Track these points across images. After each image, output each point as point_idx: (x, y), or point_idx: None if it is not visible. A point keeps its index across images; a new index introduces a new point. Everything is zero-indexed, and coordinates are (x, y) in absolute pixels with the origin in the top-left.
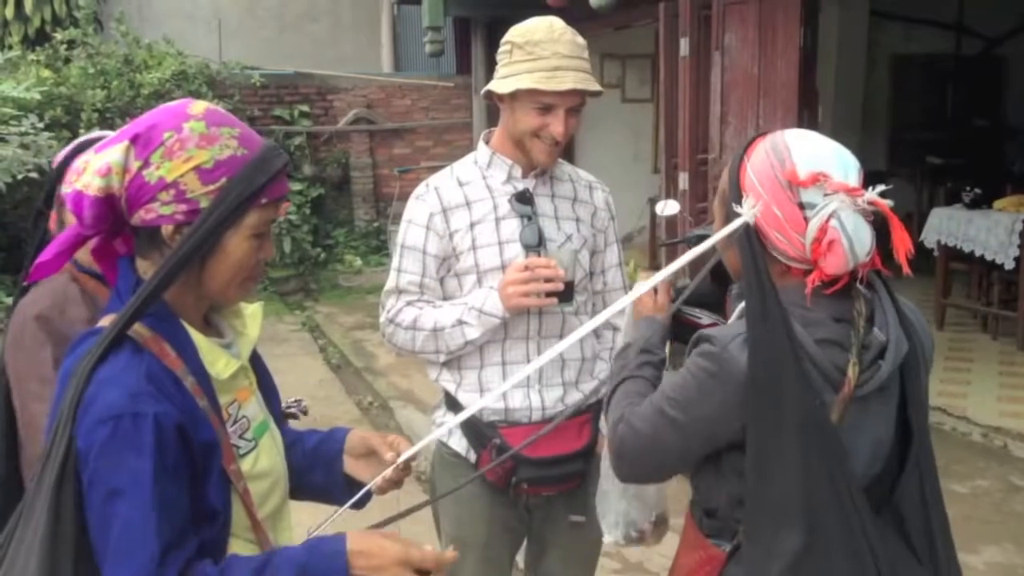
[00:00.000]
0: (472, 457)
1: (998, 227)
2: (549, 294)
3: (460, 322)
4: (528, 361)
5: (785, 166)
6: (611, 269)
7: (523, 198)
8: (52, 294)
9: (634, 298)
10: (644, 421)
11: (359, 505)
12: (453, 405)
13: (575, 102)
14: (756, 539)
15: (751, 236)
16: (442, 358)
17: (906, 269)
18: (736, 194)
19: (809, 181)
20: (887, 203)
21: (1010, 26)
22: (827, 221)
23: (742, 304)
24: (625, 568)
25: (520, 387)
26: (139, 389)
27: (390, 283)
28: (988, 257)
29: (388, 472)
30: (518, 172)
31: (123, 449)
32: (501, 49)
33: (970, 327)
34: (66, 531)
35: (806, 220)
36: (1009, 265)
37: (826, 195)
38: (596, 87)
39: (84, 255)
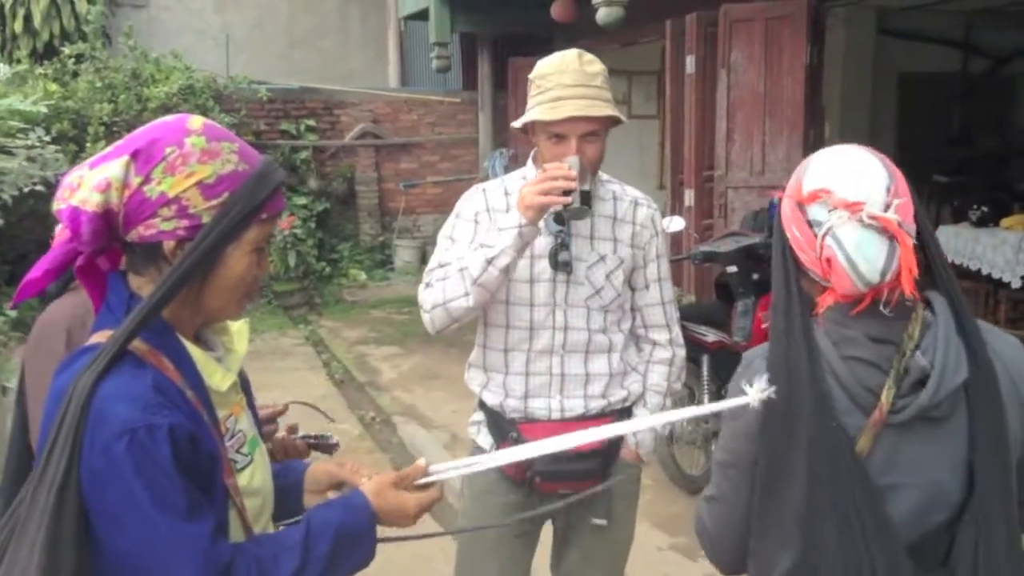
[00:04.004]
0: (494, 452)
1: (1005, 245)
2: (570, 214)
3: (481, 246)
4: (551, 374)
5: (796, 186)
6: (652, 284)
7: (559, 218)
8: (75, 305)
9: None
10: (712, 486)
11: None
12: (482, 406)
13: (585, 128)
14: (757, 557)
15: (786, 254)
16: (471, 300)
17: (908, 290)
18: (779, 222)
19: (809, 199)
20: (892, 218)
21: (1017, 45)
22: (823, 239)
23: None
24: None
25: (542, 396)
26: (149, 401)
27: (431, 263)
28: (995, 276)
29: None
30: None
31: (143, 462)
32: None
33: None
34: (66, 558)
35: (815, 237)
36: (1016, 284)
37: (830, 211)
38: (600, 112)
39: None
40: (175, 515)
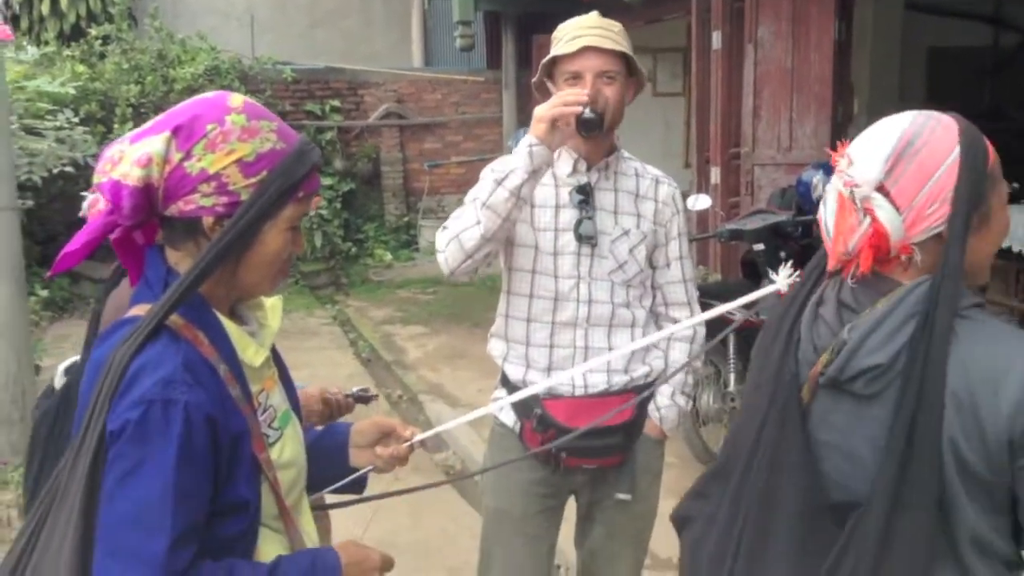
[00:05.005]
0: (518, 428)
1: None
2: (580, 123)
3: (491, 171)
4: (575, 347)
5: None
6: (673, 262)
7: (583, 191)
8: None
9: (716, 314)
10: None
11: (359, 489)
12: (505, 382)
13: (601, 65)
14: None
15: None
16: (481, 228)
17: (829, 265)
18: None
19: (833, 162)
20: (843, 190)
21: None
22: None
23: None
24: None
25: (564, 368)
26: (174, 376)
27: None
28: None
29: (400, 449)
30: (583, 166)
31: (150, 434)
32: None
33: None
34: None
35: None
36: None
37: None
38: (616, 47)
39: None
40: (153, 505)
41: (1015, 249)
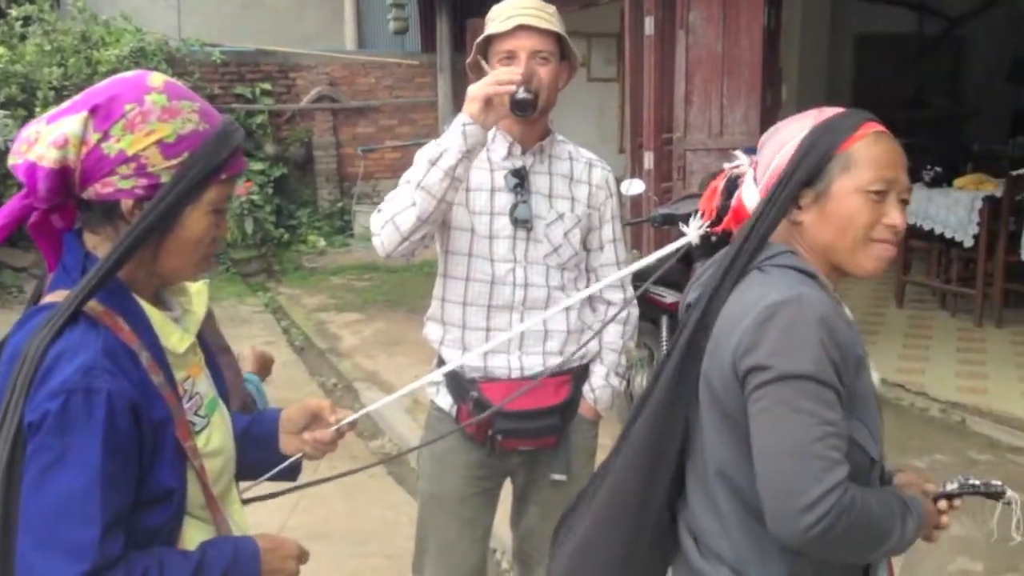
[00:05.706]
0: (455, 412)
1: (958, 205)
2: (514, 104)
3: (425, 152)
4: (511, 330)
5: None
6: (607, 245)
7: (518, 175)
8: None
9: (628, 272)
10: None
11: (292, 476)
12: (441, 366)
13: (535, 44)
14: None
15: None
16: (416, 209)
17: (704, 218)
18: None
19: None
20: (725, 167)
21: (972, 6)
22: None
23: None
24: None
25: (501, 352)
26: (94, 364)
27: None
28: (948, 235)
29: (325, 434)
30: (518, 150)
31: (72, 423)
32: None
33: (929, 304)
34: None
35: None
36: (968, 243)
37: None
38: (551, 26)
39: None
40: (80, 496)
41: (938, 231)
